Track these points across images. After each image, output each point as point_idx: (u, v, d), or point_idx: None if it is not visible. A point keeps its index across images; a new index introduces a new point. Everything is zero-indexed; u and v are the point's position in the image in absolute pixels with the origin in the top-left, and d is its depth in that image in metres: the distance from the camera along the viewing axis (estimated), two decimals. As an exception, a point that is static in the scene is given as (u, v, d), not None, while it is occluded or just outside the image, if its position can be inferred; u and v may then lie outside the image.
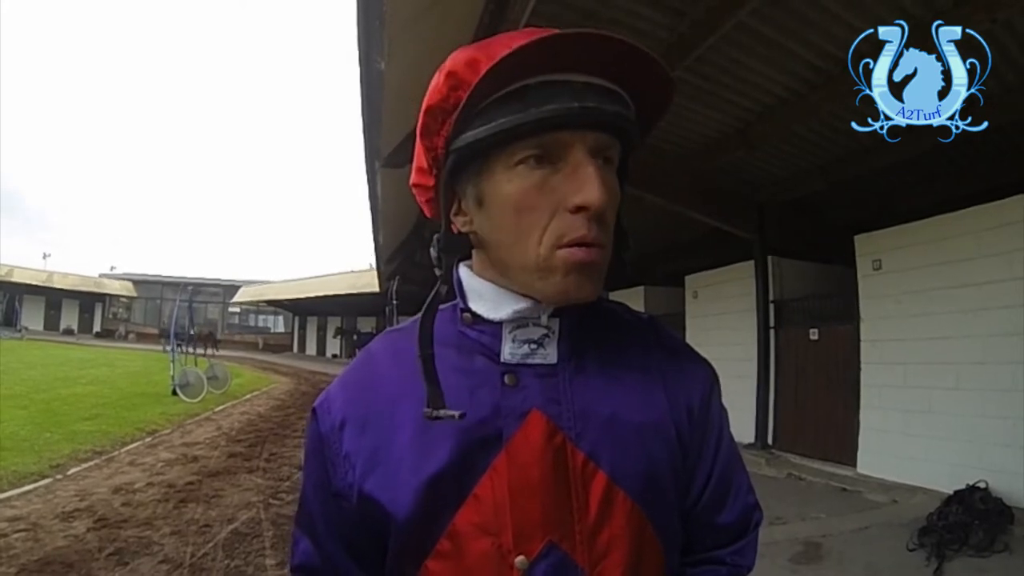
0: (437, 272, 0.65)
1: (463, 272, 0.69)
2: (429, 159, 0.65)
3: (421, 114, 0.64)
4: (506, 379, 0.63)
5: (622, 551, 0.61)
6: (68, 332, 34.11)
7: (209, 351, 23.49)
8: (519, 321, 0.64)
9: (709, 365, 0.75)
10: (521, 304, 0.63)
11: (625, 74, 0.59)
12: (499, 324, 0.65)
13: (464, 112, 0.59)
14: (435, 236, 0.65)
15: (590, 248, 0.58)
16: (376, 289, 16.85)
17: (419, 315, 0.64)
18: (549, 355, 0.65)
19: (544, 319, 0.64)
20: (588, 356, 0.67)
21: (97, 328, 36.77)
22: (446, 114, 0.61)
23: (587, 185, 0.57)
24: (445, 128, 0.62)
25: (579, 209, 0.57)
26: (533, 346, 0.64)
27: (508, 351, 0.64)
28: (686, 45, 4.11)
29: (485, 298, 0.65)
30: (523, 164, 0.59)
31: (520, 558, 0.58)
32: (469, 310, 0.66)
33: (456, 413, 0.57)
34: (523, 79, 0.57)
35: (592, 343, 0.68)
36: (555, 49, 0.55)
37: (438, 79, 0.62)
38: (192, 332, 26.37)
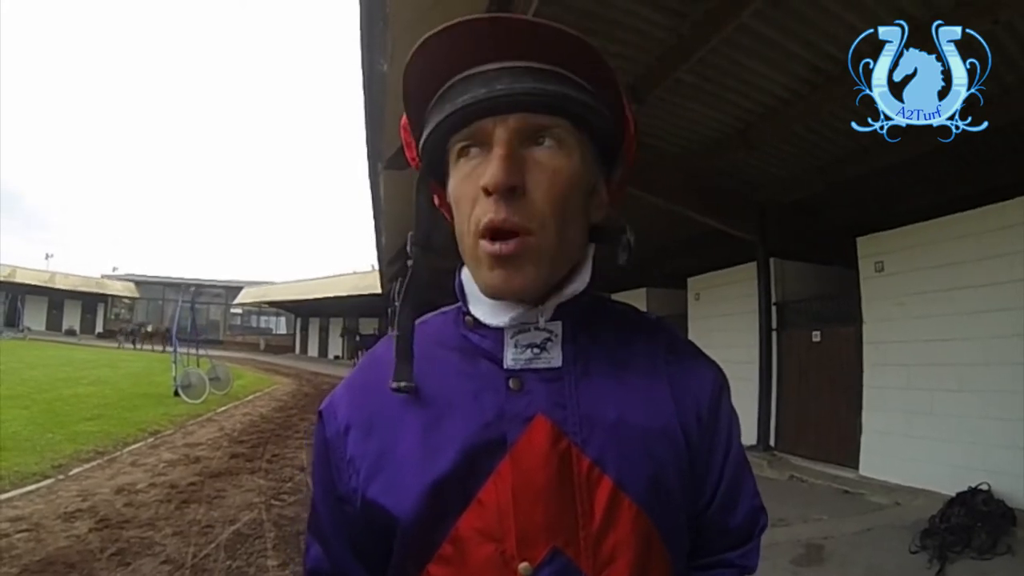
0: (408, 263, 0.66)
1: (464, 274, 0.68)
2: (416, 169, 0.68)
3: (400, 132, 0.69)
4: (510, 383, 0.63)
5: (627, 557, 0.60)
6: (70, 332, 34.21)
7: (165, 348, 24.82)
8: (520, 326, 0.64)
9: (718, 368, 0.74)
10: (517, 310, 0.62)
11: (548, 53, 0.58)
12: (500, 329, 0.64)
13: (412, 122, 0.64)
14: (409, 234, 0.66)
15: (506, 240, 0.57)
16: (378, 291, 16.86)
17: (423, 318, 0.67)
18: (553, 359, 0.64)
19: (542, 323, 0.64)
20: (594, 359, 0.66)
21: (99, 329, 36.87)
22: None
23: (489, 166, 0.57)
24: (415, 140, 0.66)
25: (487, 192, 0.57)
26: (536, 351, 0.64)
27: (511, 357, 0.64)
28: (687, 47, 4.12)
29: (483, 302, 0.65)
30: (461, 158, 0.61)
31: (524, 564, 0.58)
32: (470, 313, 0.66)
33: (403, 384, 0.62)
34: (450, 79, 0.59)
35: (598, 345, 0.67)
36: (456, 43, 0.57)
37: None
38: (148, 329, 27.43)
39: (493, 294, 0.61)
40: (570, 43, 0.58)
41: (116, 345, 27.17)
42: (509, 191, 0.56)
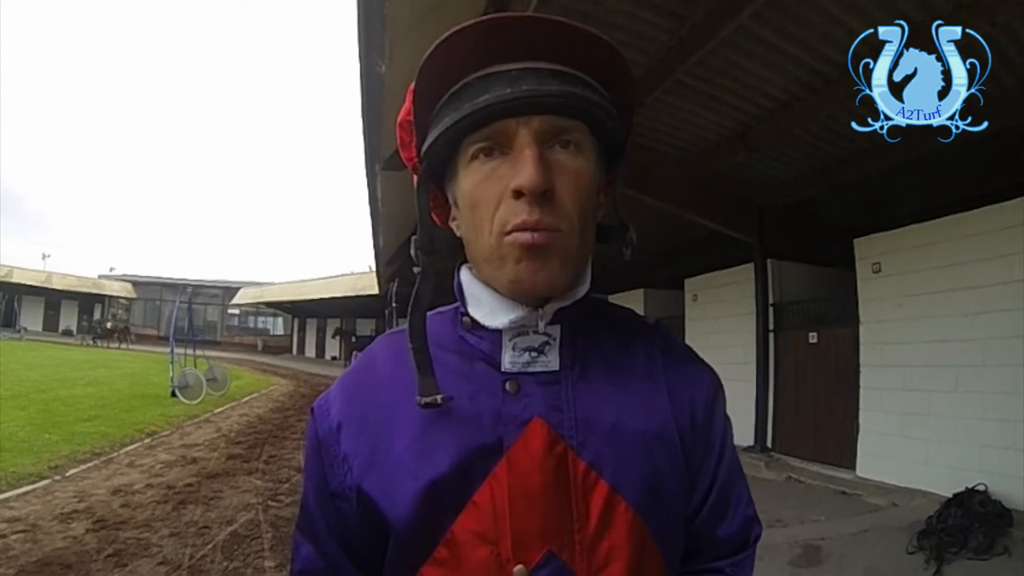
0: (415, 271, 0.66)
1: (464, 275, 0.68)
2: (411, 169, 0.68)
3: (396, 130, 0.68)
4: (507, 386, 0.63)
5: (622, 561, 0.60)
6: (67, 333, 34.10)
7: (123, 345, 25.17)
8: (518, 329, 0.64)
9: (713, 372, 0.74)
10: (517, 313, 0.62)
11: (574, 55, 0.59)
12: (498, 331, 0.64)
13: (418, 120, 0.63)
14: (412, 237, 0.66)
15: (536, 232, 0.57)
16: (376, 291, 16.85)
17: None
18: (551, 362, 0.64)
19: (542, 326, 0.63)
20: (591, 363, 0.66)
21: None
22: (412, 126, 0.65)
23: (522, 168, 0.56)
24: (415, 139, 0.65)
25: (519, 194, 0.57)
26: (534, 354, 0.64)
27: (509, 360, 0.64)
28: (686, 49, 4.12)
29: (483, 304, 0.65)
30: (476, 159, 0.60)
31: (519, 567, 0.58)
32: (468, 315, 0.66)
33: (439, 396, 0.59)
34: (463, 77, 0.59)
35: (596, 349, 0.67)
36: (480, 40, 0.56)
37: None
38: (107, 326, 27.79)
39: (517, 289, 0.61)
40: (596, 46, 0.58)
41: (79, 342, 27.19)
42: (542, 193, 0.57)
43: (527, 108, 0.57)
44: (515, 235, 0.57)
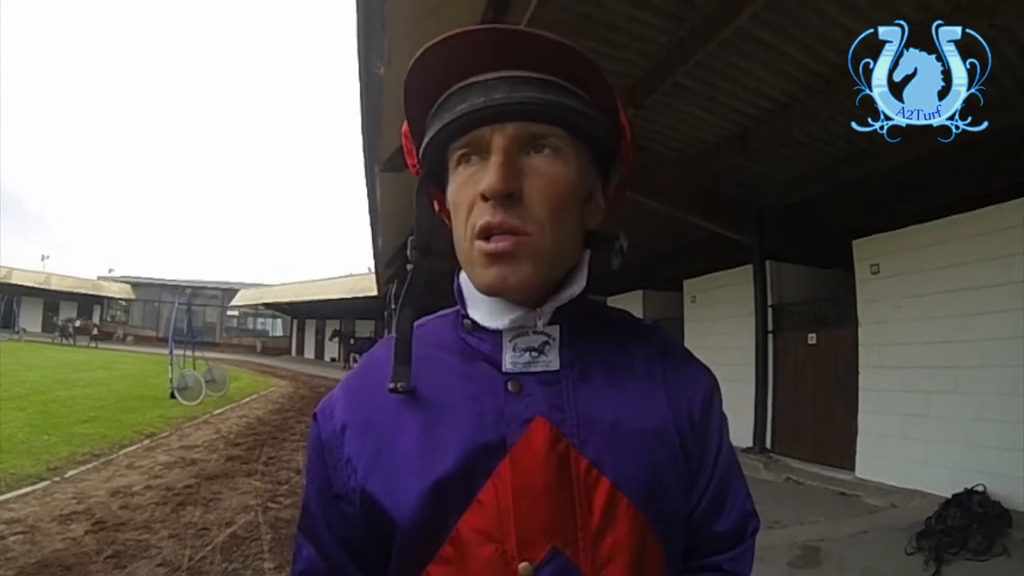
0: (408, 267, 0.68)
1: (463, 278, 0.69)
2: (415, 174, 0.70)
3: (401, 138, 0.71)
4: (509, 386, 0.64)
5: (625, 557, 0.61)
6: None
7: (92, 344, 25.16)
8: (518, 330, 0.65)
9: (710, 372, 0.75)
10: (516, 313, 0.64)
11: (549, 63, 0.60)
12: (499, 332, 0.65)
13: (414, 129, 0.66)
14: (409, 237, 0.68)
15: (500, 238, 0.59)
16: (375, 293, 16.86)
17: (421, 321, 0.68)
18: (551, 362, 0.65)
19: (540, 326, 0.65)
20: (591, 362, 0.67)
21: (94, 331, 36.73)
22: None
23: (487, 173, 0.59)
24: (415, 146, 0.68)
25: (484, 197, 0.59)
26: (534, 354, 0.65)
27: (509, 360, 0.65)
28: (685, 50, 4.13)
29: (482, 305, 0.66)
30: (460, 165, 0.63)
31: (524, 564, 0.58)
32: (468, 317, 0.67)
33: (400, 384, 0.63)
34: (449, 87, 0.61)
35: (595, 349, 0.68)
36: (457, 52, 0.59)
37: None
38: (77, 324, 27.80)
39: (489, 291, 0.62)
40: (566, 53, 0.59)
41: (53, 341, 27.14)
42: (506, 197, 0.58)
43: (498, 116, 0.59)
44: (479, 243, 0.60)
